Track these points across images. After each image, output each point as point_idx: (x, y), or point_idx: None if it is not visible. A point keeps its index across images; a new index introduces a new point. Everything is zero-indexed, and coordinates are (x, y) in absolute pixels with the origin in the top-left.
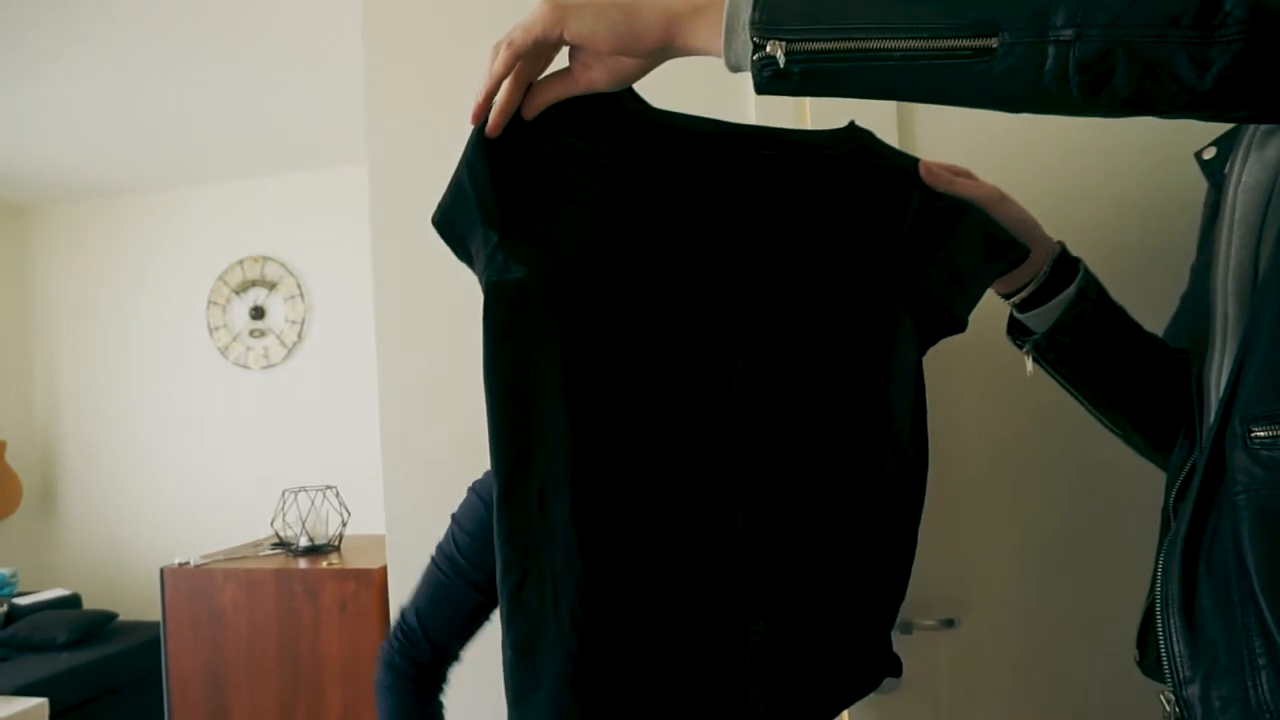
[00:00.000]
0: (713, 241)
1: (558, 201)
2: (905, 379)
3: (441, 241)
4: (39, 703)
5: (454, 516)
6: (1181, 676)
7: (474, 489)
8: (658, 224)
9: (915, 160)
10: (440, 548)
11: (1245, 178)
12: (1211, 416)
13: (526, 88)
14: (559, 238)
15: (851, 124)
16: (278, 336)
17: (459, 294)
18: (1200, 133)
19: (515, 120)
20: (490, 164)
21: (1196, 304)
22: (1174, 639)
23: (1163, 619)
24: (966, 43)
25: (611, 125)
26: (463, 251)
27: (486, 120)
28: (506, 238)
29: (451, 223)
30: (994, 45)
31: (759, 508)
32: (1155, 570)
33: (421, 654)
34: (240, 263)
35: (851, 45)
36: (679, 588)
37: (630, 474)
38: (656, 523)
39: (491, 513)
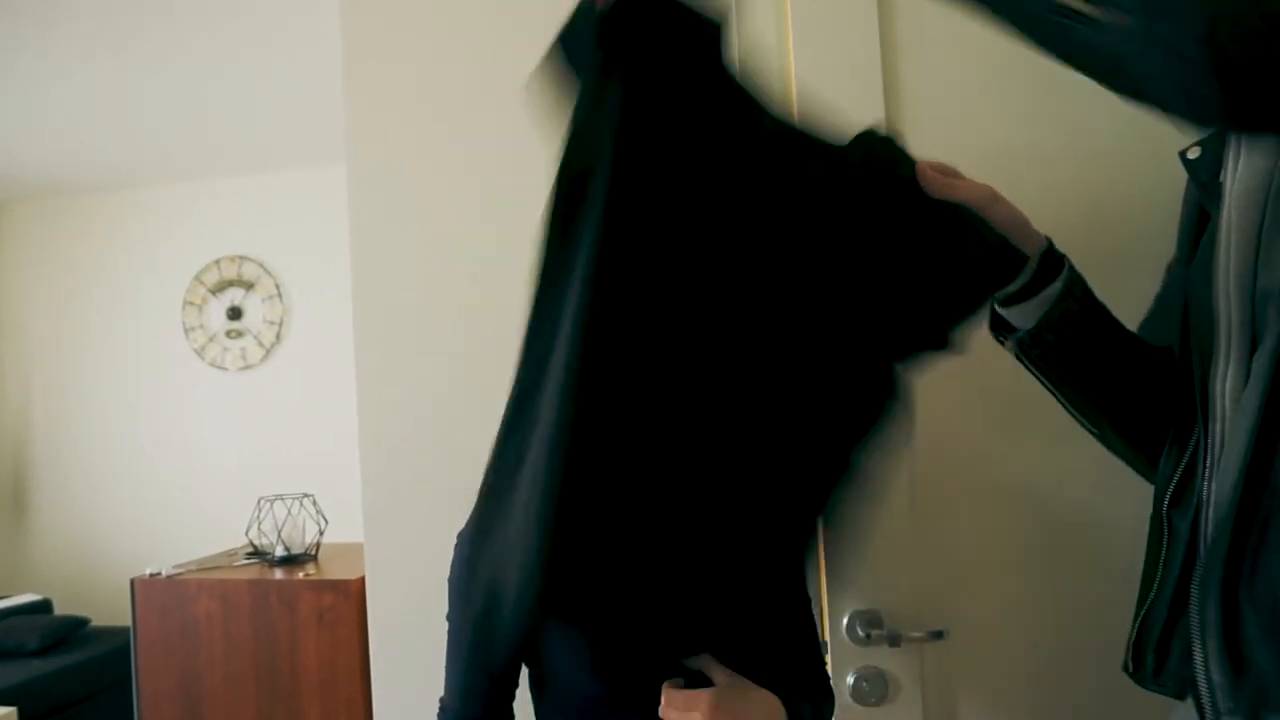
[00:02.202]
0: (753, 234)
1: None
2: (882, 400)
3: (421, 242)
4: (7, 711)
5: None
6: (1220, 706)
7: (457, 546)
8: (730, 204)
9: (914, 165)
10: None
11: (1237, 184)
12: (1218, 425)
13: None
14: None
15: (870, 130)
16: (255, 337)
17: (439, 295)
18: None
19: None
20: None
21: (1169, 303)
22: (1210, 667)
23: (1200, 647)
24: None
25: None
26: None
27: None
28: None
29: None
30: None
31: (733, 485)
32: (1153, 580)
33: (466, 716)
34: (217, 262)
35: None
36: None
37: (632, 397)
38: (640, 462)
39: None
